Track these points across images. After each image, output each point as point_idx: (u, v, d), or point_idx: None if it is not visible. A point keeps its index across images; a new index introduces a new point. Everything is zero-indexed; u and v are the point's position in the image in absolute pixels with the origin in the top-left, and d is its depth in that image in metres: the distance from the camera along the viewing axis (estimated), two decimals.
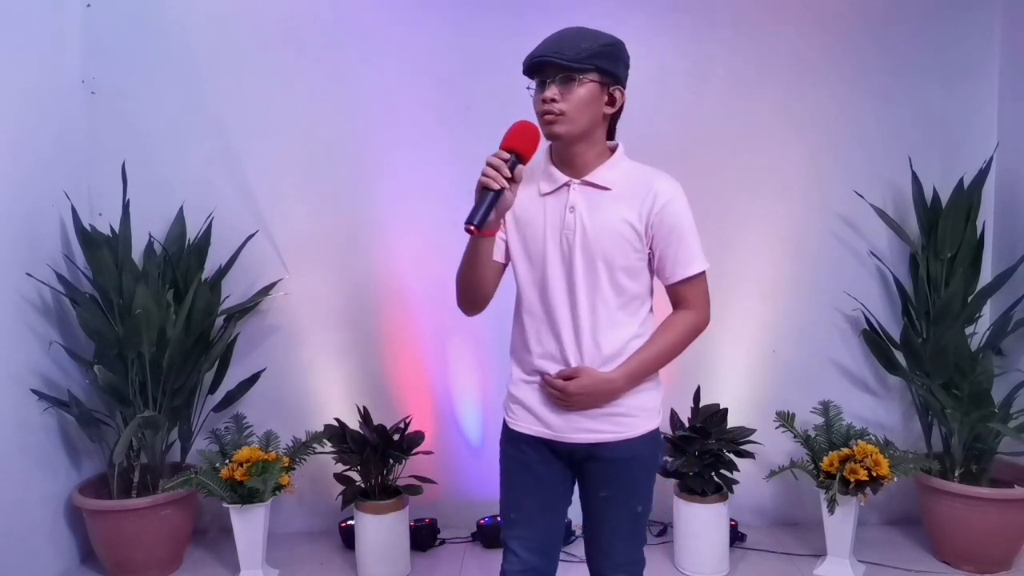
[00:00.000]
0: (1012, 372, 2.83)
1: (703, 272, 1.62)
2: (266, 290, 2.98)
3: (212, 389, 2.97)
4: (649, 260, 1.61)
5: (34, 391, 2.61)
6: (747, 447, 2.75)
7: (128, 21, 2.95)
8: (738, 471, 2.75)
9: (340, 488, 2.78)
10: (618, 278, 1.57)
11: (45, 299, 2.72)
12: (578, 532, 2.85)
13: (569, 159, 1.58)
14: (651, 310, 1.66)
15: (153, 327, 2.63)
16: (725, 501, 2.71)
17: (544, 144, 1.60)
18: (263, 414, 2.95)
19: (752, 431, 2.76)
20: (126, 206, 2.73)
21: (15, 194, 2.57)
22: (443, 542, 3.00)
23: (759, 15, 3.00)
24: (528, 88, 1.57)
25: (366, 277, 3.04)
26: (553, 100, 1.50)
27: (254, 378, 2.97)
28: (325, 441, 2.77)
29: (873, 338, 2.99)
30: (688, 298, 1.63)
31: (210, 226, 2.93)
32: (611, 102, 1.57)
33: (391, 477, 2.78)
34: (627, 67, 1.60)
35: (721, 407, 2.78)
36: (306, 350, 3.07)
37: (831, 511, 2.54)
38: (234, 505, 2.58)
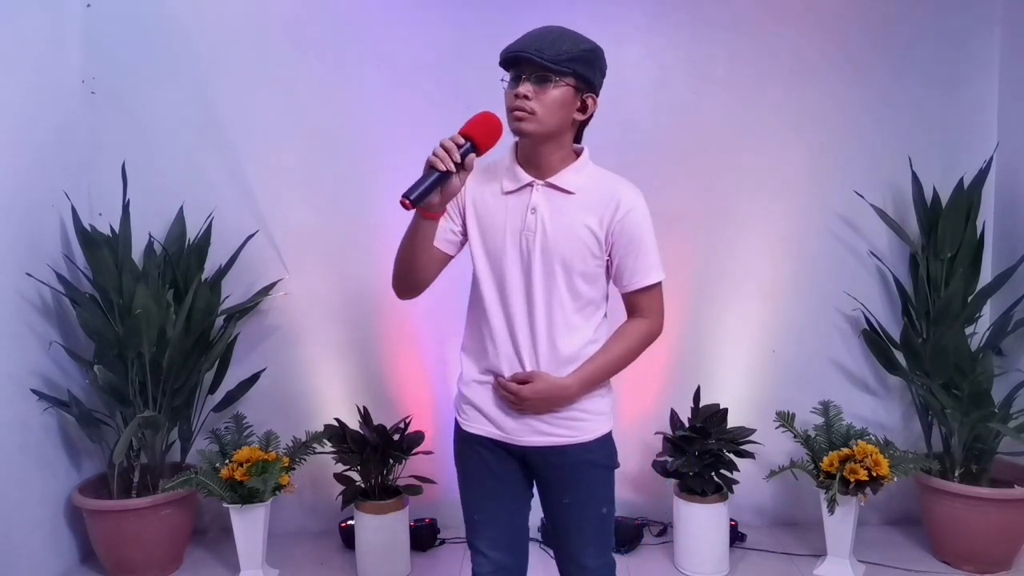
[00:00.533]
0: (1012, 372, 2.83)
1: (660, 282, 1.63)
2: (266, 290, 2.98)
3: (212, 389, 2.97)
4: (607, 267, 1.61)
5: (34, 391, 2.61)
6: (747, 447, 2.75)
7: (128, 21, 2.95)
8: (738, 471, 2.75)
9: (340, 488, 2.78)
10: (575, 283, 1.57)
11: (45, 299, 2.72)
12: None
13: (534, 159, 1.57)
14: (605, 315, 1.65)
15: (153, 327, 2.63)
16: (725, 501, 2.71)
17: (511, 142, 1.59)
18: (263, 414, 2.95)
19: (752, 431, 2.76)
20: (126, 206, 2.73)
21: (15, 194, 2.57)
22: (443, 542, 3.00)
23: (759, 15, 3.00)
24: (502, 80, 1.56)
25: (366, 277, 3.03)
26: (526, 97, 1.48)
27: (254, 378, 2.97)
28: (325, 441, 2.77)
29: (873, 338, 2.99)
30: (644, 307, 1.64)
31: (210, 226, 2.93)
32: (583, 108, 1.56)
33: (391, 477, 2.79)
34: (603, 75, 1.59)
35: (721, 407, 2.78)
36: (306, 350, 3.07)
37: (831, 511, 2.54)
38: (234, 505, 2.58)
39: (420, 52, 2.98)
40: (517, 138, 1.58)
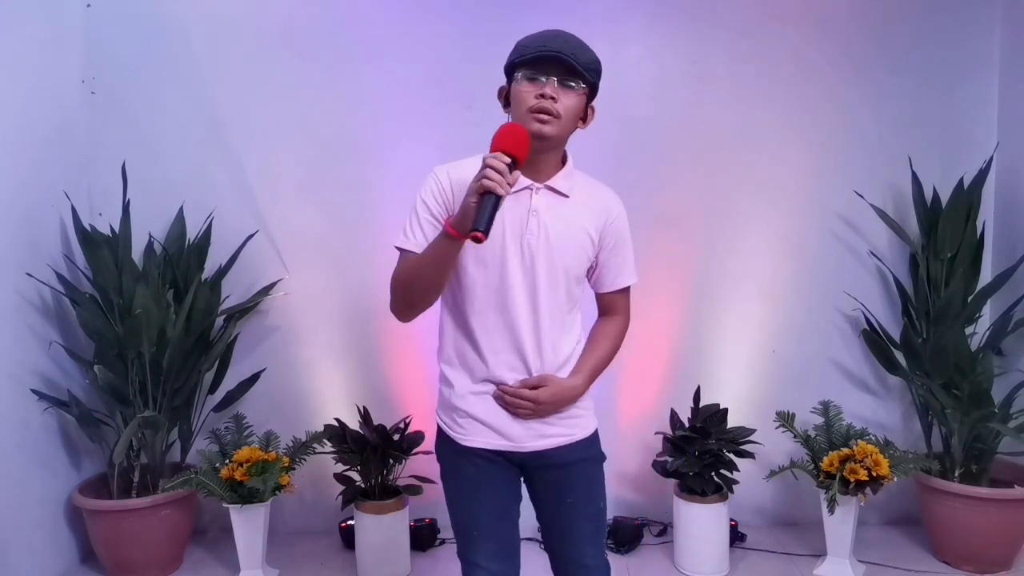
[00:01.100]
0: (1012, 372, 2.83)
1: (632, 284, 1.71)
2: (266, 290, 2.98)
3: (212, 389, 2.97)
4: (589, 269, 1.65)
5: (34, 391, 2.61)
6: (747, 447, 2.75)
7: (128, 21, 2.95)
8: (738, 471, 2.75)
9: (340, 488, 2.78)
10: (571, 284, 1.60)
11: (45, 299, 2.72)
12: None
13: (534, 163, 1.52)
14: (580, 315, 1.68)
15: (153, 327, 2.63)
16: (725, 501, 2.71)
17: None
18: (263, 414, 2.95)
19: (752, 431, 2.76)
20: (126, 206, 2.73)
21: (15, 194, 2.57)
22: (443, 542, 3.00)
23: (759, 15, 3.00)
24: (519, 75, 1.50)
25: (366, 277, 3.03)
26: (552, 99, 1.47)
27: (254, 378, 2.97)
28: (325, 441, 2.77)
29: (873, 338, 2.99)
30: (621, 306, 1.71)
31: (210, 226, 2.93)
32: (584, 117, 1.56)
33: (391, 477, 2.79)
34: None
35: (721, 407, 2.78)
36: (306, 350, 3.07)
37: (831, 511, 2.54)
38: (234, 505, 2.58)
39: (420, 52, 2.98)
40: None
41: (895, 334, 2.99)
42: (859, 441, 2.65)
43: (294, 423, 2.94)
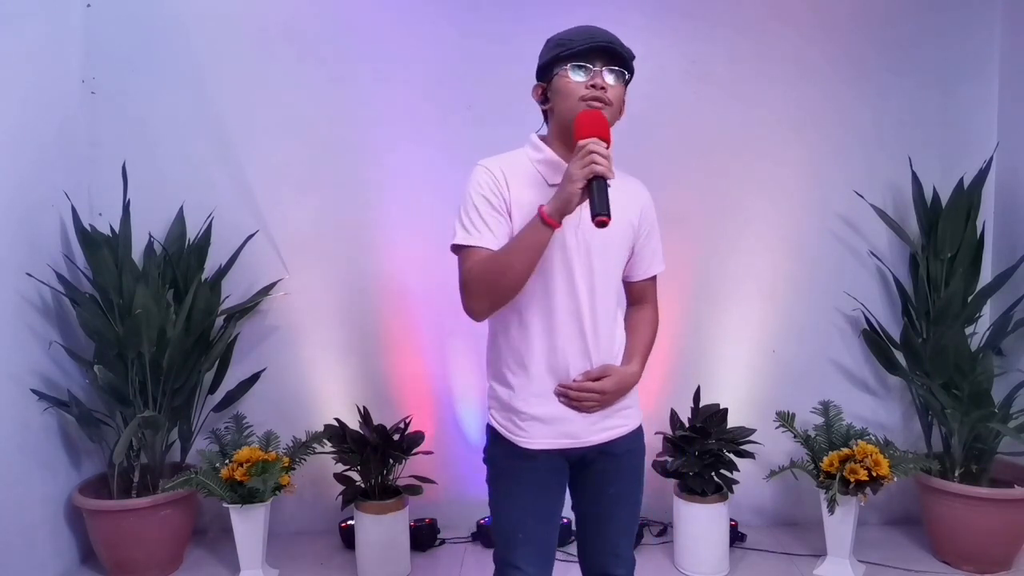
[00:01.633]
0: (1012, 372, 2.83)
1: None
2: (266, 290, 2.98)
3: (212, 389, 2.97)
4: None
5: (34, 391, 2.61)
6: (747, 447, 2.75)
7: (128, 21, 2.95)
8: (738, 471, 2.75)
9: (340, 488, 2.78)
10: (619, 272, 1.63)
11: (45, 299, 2.72)
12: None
13: None
14: None
15: (153, 327, 2.63)
16: (725, 501, 2.71)
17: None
18: (263, 414, 2.95)
19: (752, 431, 2.76)
20: (126, 206, 2.73)
21: (15, 194, 2.57)
22: (443, 542, 3.00)
23: (759, 16, 3.00)
24: (566, 68, 1.49)
25: (366, 277, 3.04)
26: (604, 89, 1.49)
27: (254, 378, 2.97)
28: (325, 441, 2.77)
29: (873, 338, 2.99)
30: (651, 294, 1.73)
31: (210, 226, 2.93)
32: (621, 108, 1.58)
33: (391, 477, 2.78)
34: None
35: (721, 407, 2.78)
36: (306, 350, 3.07)
37: (831, 511, 2.54)
38: (234, 505, 2.58)
39: (420, 52, 2.98)
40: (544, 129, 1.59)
41: (895, 334, 2.99)
42: (859, 441, 2.65)
43: (294, 423, 2.94)
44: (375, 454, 2.70)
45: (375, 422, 2.79)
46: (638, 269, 1.68)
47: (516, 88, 2.96)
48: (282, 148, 3.00)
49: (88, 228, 2.73)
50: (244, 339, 3.02)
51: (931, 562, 2.80)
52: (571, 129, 1.46)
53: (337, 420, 2.80)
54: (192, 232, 2.93)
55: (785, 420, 2.80)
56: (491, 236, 1.50)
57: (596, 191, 1.36)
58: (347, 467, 2.78)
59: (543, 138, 1.60)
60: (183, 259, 2.86)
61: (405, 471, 2.82)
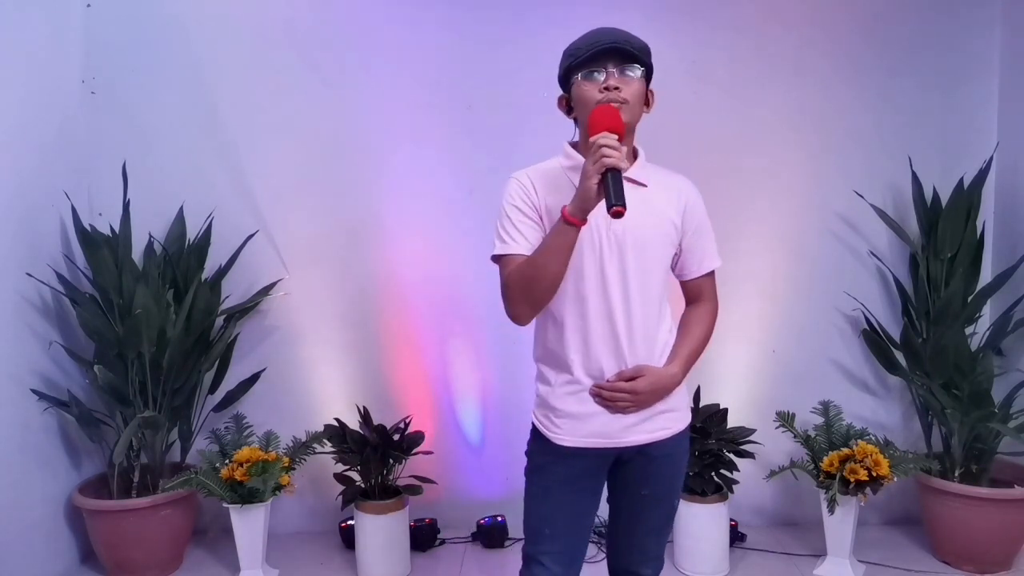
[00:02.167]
0: (1012, 372, 2.83)
1: (717, 268, 1.69)
2: (266, 290, 2.98)
3: (212, 389, 2.97)
4: (673, 256, 1.65)
5: (34, 391, 2.61)
6: (747, 447, 2.75)
7: (128, 21, 2.95)
8: (738, 471, 2.75)
9: (340, 488, 2.78)
10: (661, 273, 1.61)
11: (45, 299, 2.72)
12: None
13: None
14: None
15: (153, 327, 2.63)
16: (725, 501, 2.71)
17: (563, 142, 1.61)
18: (263, 414, 2.95)
19: (752, 431, 2.76)
20: (126, 206, 2.73)
21: (15, 194, 2.57)
22: (443, 542, 3.00)
23: (759, 16, 3.00)
24: (579, 77, 1.52)
25: (366, 277, 3.04)
26: (617, 88, 1.50)
27: (254, 378, 2.97)
28: (325, 441, 2.77)
29: (873, 338, 2.99)
30: (708, 291, 1.70)
31: (210, 226, 2.93)
32: (647, 102, 1.59)
33: (391, 477, 2.78)
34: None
35: (721, 407, 2.78)
36: (306, 350, 3.07)
37: (831, 511, 2.54)
38: (234, 505, 2.58)
39: (420, 52, 2.98)
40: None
41: (895, 334, 2.99)
42: (859, 441, 2.65)
43: (294, 423, 2.93)
44: (375, 454, 2.70)
45: (375, 422, 2.79)
46: (689, 267, 1.66)
47: (516, 89, 2.99)
48: (282, 148, 3.00)
49: (88, 228, 2.73)
50: (244, 339, 3.02)
51: (931, 562, 2.80)
52: None
53: (337, 420, 2.80)
54: (192, 232, 2.93)
55: (785, 420, 2.80)
56: (525, 243, 1.54)
57: (611, 183, 1.37)
58: (347, 467, 2.78)
59: (574, 145, 1.62)
60: (183, 259, 2.86)
61: (405, 471, 2.82)
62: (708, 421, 2.73)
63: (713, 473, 2.71)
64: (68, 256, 2.84)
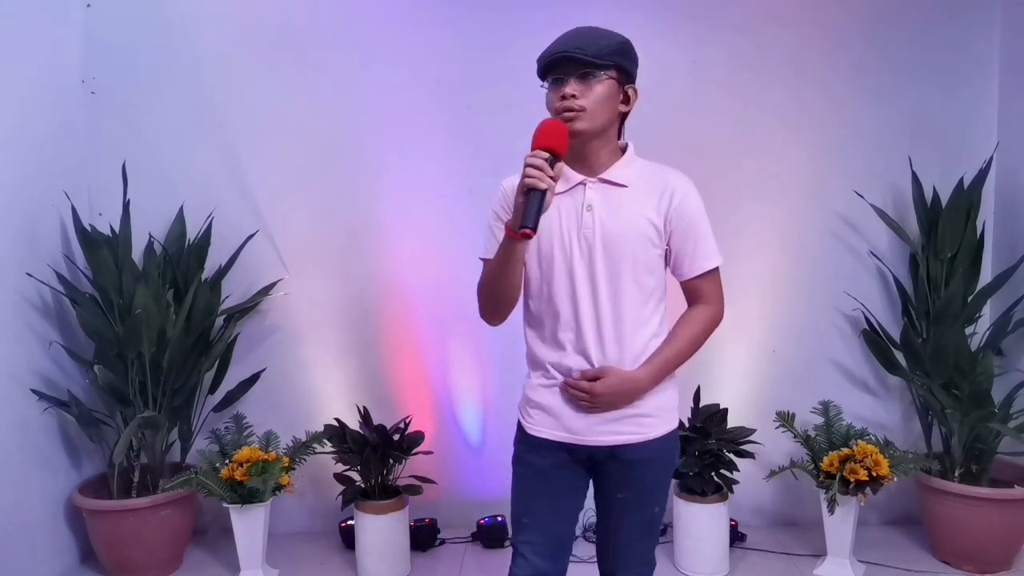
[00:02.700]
0: (1012, 372, 2.83)
1: (718, 267, 1.63)
2: (266, 290, 2.98)
3: (212, 389, 2.97)
4: (666, 256, 1.61)
5: (34, 391, 2.61)
6: (747, 447, 2.75)
7: (128, 21, 2.95)
8: (738, 471, 2.75)
9: (340, 488, 2.78)
10: (639, 275, 1.57)
11: (45, 299, 2.72)
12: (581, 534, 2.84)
13: (584, 157, 1.57)
14: (665, 308, 1.65)
15: (153, 327, 2.63)
16: (725, 501, 2.71)
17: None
18: (263, 414, 2.95)
19: (752, 431, 2.76)
20: (126, 206, 2.73)
21: (15, 194, 2.57)
22: (443, 542, 3.00)
23: (759, 16, 3.00)
24: (543, 86, 1.56)
25: (366, 277, 3.04)
26: (573, 96, 1.49)
27: (254, 378, 2.97)
28: (325, 441, 2.77)
29: (873, 338, 2.99)
30: (705, 292, 1.64)
31: (210, 226, 2.93)
32: (626, 100, 1.58)
33: (391, 477, 2.78)
34: (637, 66, 1.61)
35: (721, 407, 2.78)
36: (306, 350, 3.07)
37: (831, 511, 2.54)
38: (234, 505, 2.58)
39: (420, 53, 2.98)
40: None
41: (895, 334, 2.99)
42: (859, 441, 2.65)
43: (294, 423, 2.94)
44: (375, 454, 2.70)
45: (375, 422, 2.79)
46: (682, 267, 1.61)
47: (516, 89, 2.98)
48: (282, 148, 3.00)
49: (88, 228, 2.73)
50: (244, 339, 3.02)
51: (931, 562, 2.80)
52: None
53: (337, 420, 2.80)
54: (192, 232, 2.93)
55: (785, 420, 2.80)
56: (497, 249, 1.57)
57: (528, 203, 1.40)
58: (347, 467, 2.78)
59: None
60: (183, 259, 2.86)
61: (405, 471, 2.82)
62: (708, 421, 2.73)
63: (713, 473, 2.71)
64: (68, 256, 2.84)
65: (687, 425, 2.77)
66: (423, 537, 2.92)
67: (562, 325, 1.58)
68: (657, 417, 1.62)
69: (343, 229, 3.03)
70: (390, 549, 2.72)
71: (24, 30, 2.63)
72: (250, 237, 2.95)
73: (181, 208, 2.93)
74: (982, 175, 2.84)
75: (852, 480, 2.53)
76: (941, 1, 3.00)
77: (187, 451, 2.94)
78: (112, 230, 2.77)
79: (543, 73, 1.55)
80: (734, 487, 2.74)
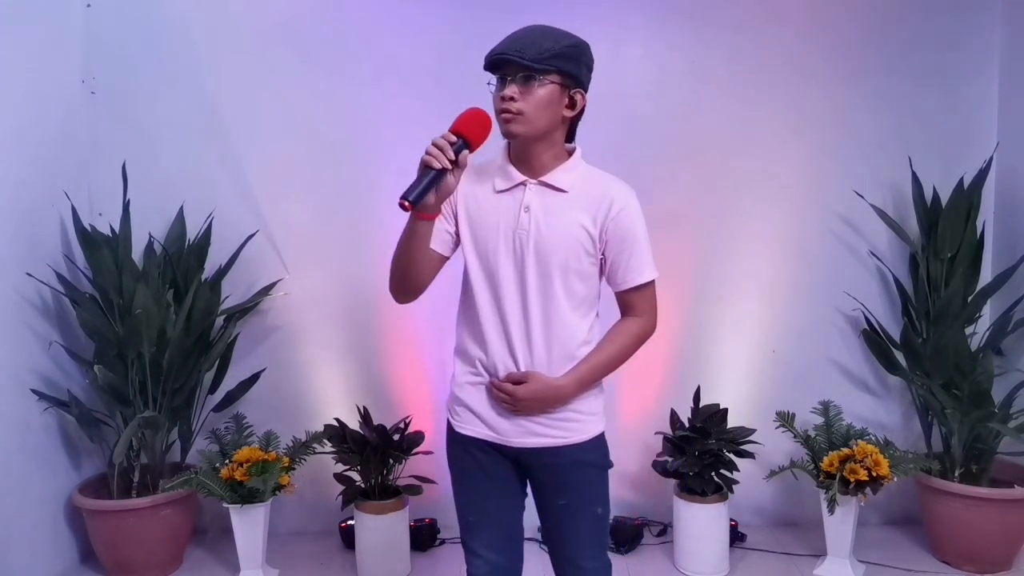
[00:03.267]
0: (1012, 372, 2.83)
1: (653, 280, 1.63)
2: (266, 290, 2.98)
3: (212, 389, 2.97)
4: (600, 266, 1.61)
5: (34, 391, 2.61)
6: (747, 447, 2.75)
7: (128, 21, 2.95)
8: (738, 471, 2.75)
9: (340, 488, 2.78)
10: (570, 281, 1.57)
11: (45, 299, 2.72)
12: None
13: (526, 158, 1.56)
14: (597, 315, 1.65)
15: (153, 327, 2.63)
16: (725, 501, 2.71)
17: (503, 141, 1.59)
18: (263, 414, 2.95)
19: (752, 431, 2.76)
20: (126, 206, 2.73)
21: (15, 194, 2.57)
22: (443, 542, 3.00)
23: (759, 16, 2.99)
24: (489, 84, 1.56)
25: (366, 277, 3.03)
26: (512, 99, 1.48)
27: (254, 378, 2.97)
28: (325, 441, 2.77)
29: (873, 338, 2.99)
30: (638, 305, 1.64)
31: (210, 226, 2.93)
32: (571, 105, 1.55)
33: (391, 477, 2.79)
34: (590, 70, 1.58)
35: (721, 407, 2.78)
36: (306, 350, 3.07)
37: (831, 511, 2.54)
38: (234, 505, 2.58)
39: (420, 53, 2.98)
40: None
41: (895, 334, 2.99)
42: (859, 441, 2.65)
43: (294, 423, 2.93)
44: (375, 454, 2.70)
45: (375, 422, 2.79)
46: (616, 278, 1.61)
47: None
48: (282, 148, 3.00)
49: (88, 228, 2.73)
50: (244, 339, 3.02)
51: (931, 562, 2.80)
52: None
53: (337, 420, 2.80)
54: (192, 232, 2.93)
55: (785, 420, 2.80)
56: (436, 238, 1.61)
57: (418, 179, 1.46)
58: (347, 467, 2.78)
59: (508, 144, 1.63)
60: (183, 259, 2.86)
61: (405, 471, 2.82)
62: (708, 421, 2.73)
63: (713, 473, 2.71)
64: (68, 256, 2.84)
65: (687, 425, 2.77)
66: (423, 537, 2.92)
67: (492, 322, 1.58)
68: (582, 421, 1.63)
69: (343, 228, 3.03)
70: (390, 549, 2.72)
71: (24, 30, 2.63)
72: (250, 237, 2.95)
73: (181, 208, 2.93)
74: (982, 175, 2.84)
75: (852, 480, 2.52)
76: (941, 1, 3.00)
77: (187, 451, 2.94)
78: (112, 230, 2.77)
79: (487, 71, 1.55)
80: (734, 487, 2.74)
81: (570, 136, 1.63)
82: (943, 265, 2.86)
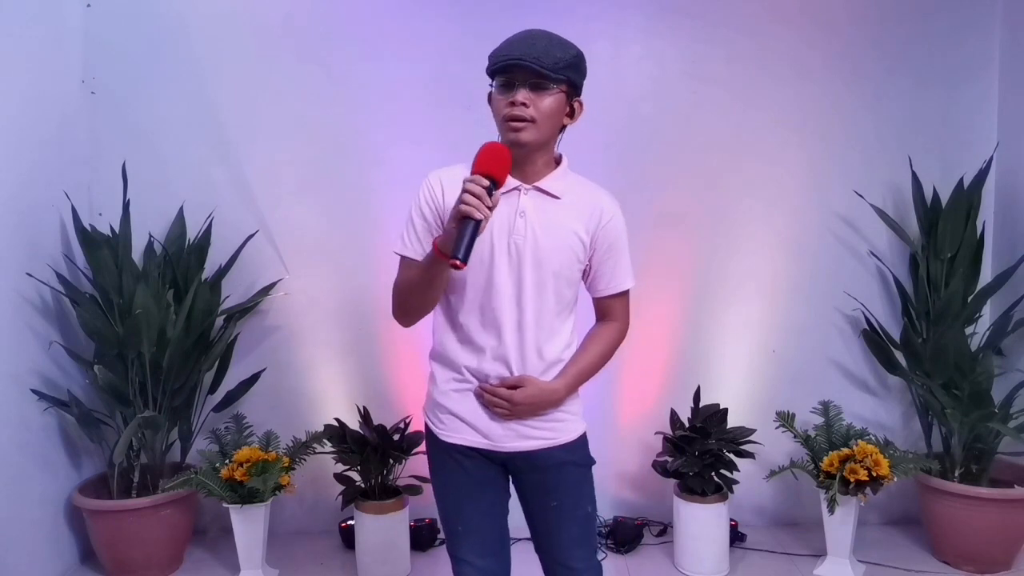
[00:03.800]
0: (1012, 372, 2.83)
1: (630, 288, 1.68)
2: (266, 290, 2.98)
3: (212, 389, 2.97)
4: (583, 272, 1.63)
5: (34, 391, 2.61)
6: (747, 447, 2.75)
7: (128, 21, 2.95)
8: (738, 471, 2.75)
9: (340, 488, 2.78)
10: (561, 287, 1.58)
11: (45, 299, 2.72)
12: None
13: (521, 164, 1.54)
14: (575, 318, 1.67)
15: (153, 327, 2.63)
16: (725, 501, 2.71)
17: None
18: (263, 414, 2.95)
19: (752, 431, 2.76)
20: (126, 206, 2.73)
21: (15, 194, 2.57)
22: (443, 542, 2.99)
23: (759, 16, 3.00)
24: (491, 85, 1.54)
25: (366, 277, 3.03)
26: (524, 105, 1.47)
27: (254, 378, 2.97)
28: (325, 441, 2.77)
29: (873, 338, 2.99)
30: (617, 310, 1.68)
31: (210, 226, 2.93)
32: (571, 113, 1.56)
33: (391, 477, 2.79)
34: (584, 79, 1.59)
35: (721, 407, 2.78)
36: (306, 350, 3.07)
37: (831, 511, 2.54)
38: (234, 505, 2.58)
39: (419, 52, 2.98)
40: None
41: (895, 334, 2.99)
42: (859, 441, 2.65)
43: (294, 423, 2.94)
44: (375, 454, 2.70)
45: (375, 422, 2.79)
46: (598, 285, 1.64)
47: None
48: (282, 148, 3.00)
49: (88, 228, 2.73)
50: (244, 339, 3.02)
51: (931, 562, 2.80)
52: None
53: (337, 420, 2.80)
54: (192, 232, 2.93)
55: (785, 420, 2.80)
56: (420, 248, 1.56)
57: (460, 233, 1.36)
58: (347, 467, 2.78)
59: None
60: (183, 259, 2.86)
61: (405, 471, 2.82)
62: (708, 421, 2.73)
63: (713, 473, 2.71)
64: (68, 256, 2.84)
65: (687, 425, 2.78)
66: (423, 537, 2.92)
67: (484, 329, 1.57)
68: (567, 421, 1.64)
69: (343, 228, 3.03)
70: (390, 549, 2.72)
71: (24, 30, 2.63)
72: (250, 237, 2.95)
73: (181, 208, 2.93)
74: (982, 175, 2.84)
75: (852, 480, 2.53)
76: (941, 1, 3.00)
77: (187, 451, 2.94)
78: (112, 230, 2.77)
79: (493, 73, 1.53)
80: (734, 487, 2.74)
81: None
82: (943, 265, 2.86)
